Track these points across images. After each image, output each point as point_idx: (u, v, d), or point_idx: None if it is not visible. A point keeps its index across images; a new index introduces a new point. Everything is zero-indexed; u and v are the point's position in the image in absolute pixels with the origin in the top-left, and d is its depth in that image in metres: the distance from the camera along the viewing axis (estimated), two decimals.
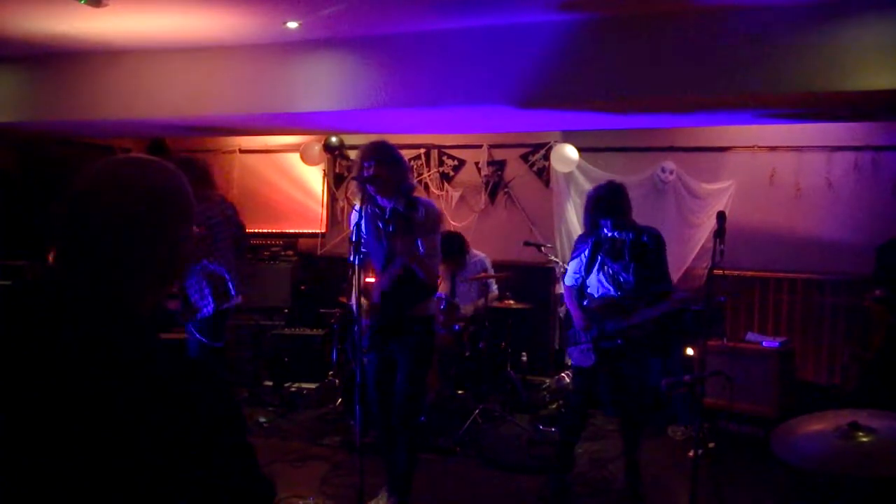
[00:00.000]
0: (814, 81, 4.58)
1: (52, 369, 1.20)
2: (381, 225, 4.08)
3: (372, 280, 4.34)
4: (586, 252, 4.51)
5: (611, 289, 4.44)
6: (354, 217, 4.08)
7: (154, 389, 1.21)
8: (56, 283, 1.31)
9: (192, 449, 1.21)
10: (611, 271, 4.43)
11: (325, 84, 5.70)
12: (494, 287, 6.59)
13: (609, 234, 4.42)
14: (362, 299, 4.11)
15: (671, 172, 7.03)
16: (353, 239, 4.00)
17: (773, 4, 4.54)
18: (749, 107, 5.33)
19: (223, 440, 1.26)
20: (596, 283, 4.51)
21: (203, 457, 1.22)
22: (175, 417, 1.20)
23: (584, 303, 4.56)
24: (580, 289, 4.59)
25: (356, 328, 4.26)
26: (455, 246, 6.18)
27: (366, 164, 3.98)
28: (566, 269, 4.73)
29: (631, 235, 4.39)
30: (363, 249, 3.97)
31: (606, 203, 4.37)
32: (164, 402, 1.20)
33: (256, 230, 8.28)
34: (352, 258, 4.20)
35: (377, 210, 4.08)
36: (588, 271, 4.51)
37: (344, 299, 5.94)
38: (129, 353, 1.24)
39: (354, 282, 3.91)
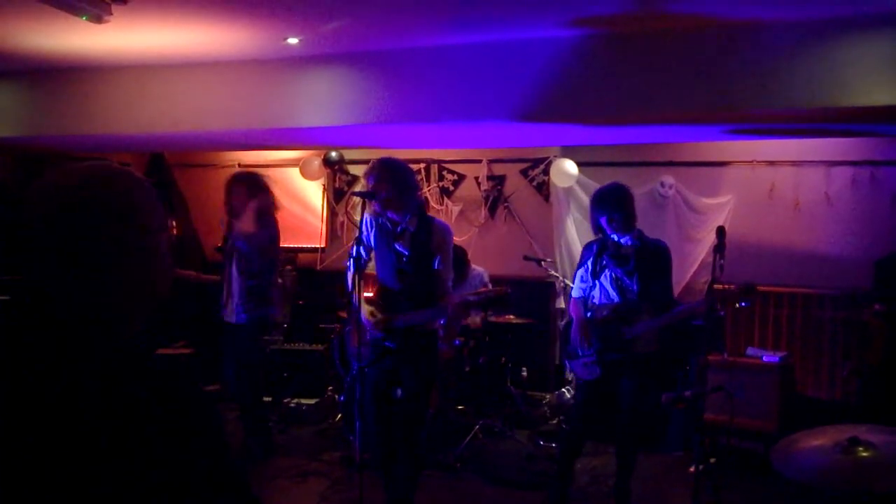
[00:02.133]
0: (814, 97, 4.60)
1: (35, 391, 1.18)
2: (392, 240, 4.10)
3: (370, 295, 4.34)
4: (591, 258, 4.50)
5: (615, 295, 4.41)
6: (366, 219, 4.12)
7: (138, 412, 1.18)
8: (33, 299, 1.28)
9: (179, 472, 1.19)
10: (615, 275, 4.40)
11: (325, 99, 5.71)
12: None
13: (616, 239, 4.40)
14: (372, 310, 4.12)
15: (670, 187, 7.05)
16: (354, 254, 4.04)
17: (773, 21, 4.56)
18: (750, 122, 5.34)
19: (210, 461, 1.24)
20: (599, 291, 4.48)
21: (190, 480, 1.20)
22: (161, 440, 1.18)
23: (588, 314, 4.53)
24: (586, 301, 4.56)
25: (348, 339, 4.28)
26: (457, 260, 6.18)
27: (368, 180, 4.05)
28: (566, 284, 4.71)
29: (637, 243, 4.39)
30: (365, 258, 4.04)
31: (610, 198, 4.38)
32: (149, 425, 1.18)
33: None
34: (350, 268, 4.23)
35: (388, 224, 4.11)
36: (594, 277, 4.48)
37: (344, 313, 5.95)
38: (111, 375, 1.21)
39: (356, 291, 3.95)
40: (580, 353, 4.48)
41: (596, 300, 4.49)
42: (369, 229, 4.17)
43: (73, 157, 7.88)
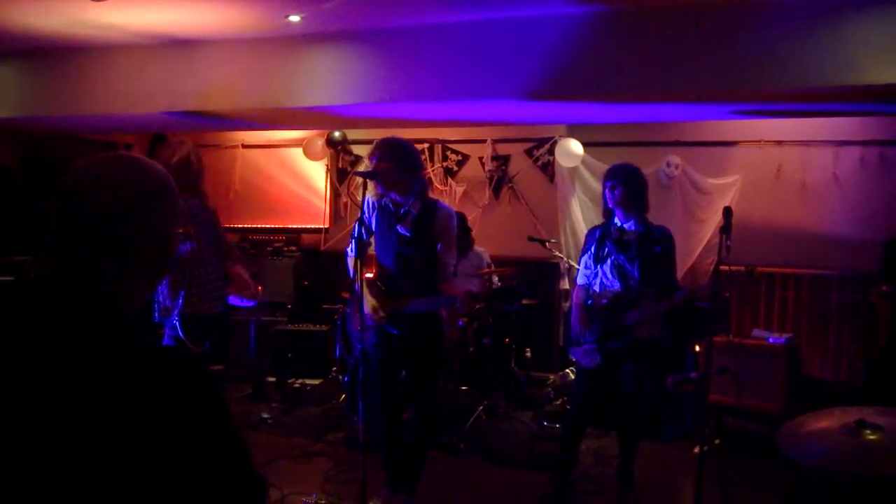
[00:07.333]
0: (823, 76, 4.53)
1: (38, 368, 1.18)
2: (393, 222, 4.04)
3: (371, 275, 4.28)
4: (594, 244, 4.45)
5: (616, 282, 4.37)
6: (367, 201, 4.05)
7: (140, 387, 1.19)
8: (44, 280, 1.28)
9: (180, 446, 1.19)
10: (617, 262, 4.35)
11: (328, 78, 5.66)
12: (496, 279, 6.54)
13: (619, 224, 4.36)
14: (374, 305, 4.05)
15: (676, 167, 6.99)
16: (356, 234, 3.97)
17: None
18: (758, 101, 5.28)
19: (211, 436, 1.24)
20: (600, 278, 4.44)
21: (191, 454, 1.20)
22: (161, 415, 1.18)
23: (588, 301, 4.48)
24: (590, 287, 4.50)
25: (350, 322, 4.23)
26: (461, 226, 6.16)
27: (371, 160, 3.98)
28: (570, 265, 4.65)
29: (641, 229, 4.34)
30: (365, 238, 3.93)
31: (616, 169, 4.36)
32: (150, 399, 1.18)
33: (259, 225, 8.29)
34: (351, 252, 4.16)
35: (390, 206, 4.05)
36: (597, 263, 4.43)
37: (346, 294, 5.91)
38: (115, 351, 1.21)
39: (358, 275, 3.88)
40: (581, 341, 4.43)
41: (597, 287, 4.44)
42: (371, 211, 4.11)
43: (75, 138, 7.85)
